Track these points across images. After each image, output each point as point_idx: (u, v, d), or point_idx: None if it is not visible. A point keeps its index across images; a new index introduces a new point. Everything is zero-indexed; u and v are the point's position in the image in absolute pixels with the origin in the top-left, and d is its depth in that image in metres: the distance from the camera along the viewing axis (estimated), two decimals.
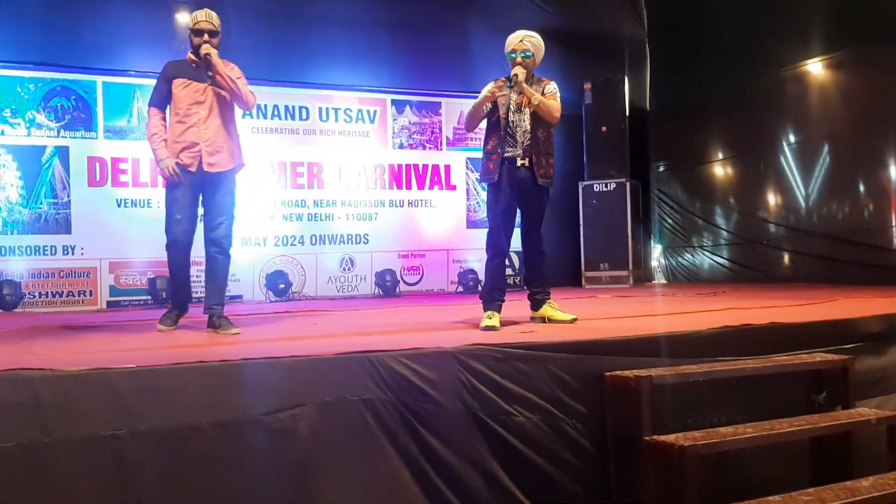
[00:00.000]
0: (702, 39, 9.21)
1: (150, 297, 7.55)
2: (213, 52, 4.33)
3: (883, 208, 7.28)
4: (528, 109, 4.40)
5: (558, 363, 3.32)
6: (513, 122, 4.41)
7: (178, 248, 4.37)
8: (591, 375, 3.37)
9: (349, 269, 8.66)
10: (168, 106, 4.43)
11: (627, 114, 9.41)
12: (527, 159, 4.44)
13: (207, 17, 4.41)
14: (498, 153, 4.39)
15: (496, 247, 4.46)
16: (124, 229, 7.69)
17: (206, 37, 4.35)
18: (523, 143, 4.43)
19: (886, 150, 7.22)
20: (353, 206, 8.77)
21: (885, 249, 7.22)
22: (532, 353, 3.29)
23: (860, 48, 7.40)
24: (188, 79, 4.38)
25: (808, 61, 8.01)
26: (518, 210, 4.53)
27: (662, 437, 3.19)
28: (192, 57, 4.44)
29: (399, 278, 8.73)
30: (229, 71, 4.42)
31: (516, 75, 4.35)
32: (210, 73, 4.35)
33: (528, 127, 4.43)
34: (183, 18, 8.14)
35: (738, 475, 3.48)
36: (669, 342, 3.57)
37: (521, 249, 4.80)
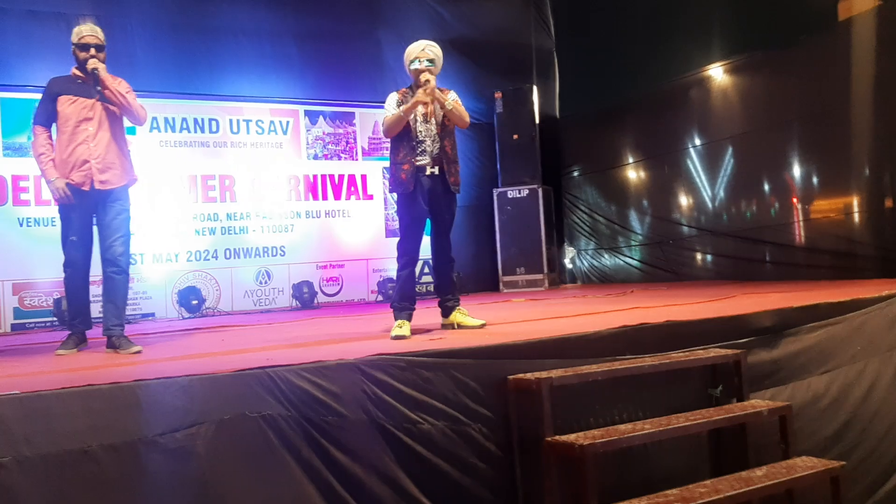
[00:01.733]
0: (608, 47, 9.44)
1: (55, 319, 7.29)
2: (101, 67, 4.24)
3: (785, 206, 7.60)
4: (434, 119, 4.45)
5: (462, 369, 3.36)
6: (420, 131, 4.46)
7: (75, 270, 4.28)
8: (495, 379, 3.42)
9: (266, 283, 8.55)
10: (54, 124, 4.30)
11: (538, 121, 9.58)
12: (436, 168, 4.48)
13: (92, 32, 4.30)
14: (409, 163, 4.43)
15: (408, 255, 4.50)
16: (27, 249, 7.41)
17: (92, 51, 4.25)
18: (432, 152, 4.48)
19: (785, 149, 7.53)
20: (268, 219, 8.66)
21: (788, 246, 7.53)
22: (435, 360, 3.31)
23: (757, 53, 7.72)
24: (74, 95, 4.26)
25: (710, 66, 8.31)
26: (427, 218, 4.57)
27: (563, 438, 3.26)
28: (78, 72, 4.33)
29: (317, 290, 8.66)
30: (117, 85, 4.32)
31: (428, 81, 4.40)
32: (99, 89, 4.24)
33: (436, 135, 4.47)
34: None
35: (641, 471, 3.58)
36: (570, 344, 3.65)
37: (430, 257, 4.82)
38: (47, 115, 4.30)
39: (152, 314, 7.81)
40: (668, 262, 8.91)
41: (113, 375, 2.94)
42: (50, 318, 7.35)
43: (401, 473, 3.15)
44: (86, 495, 2.56)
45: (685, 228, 8.76)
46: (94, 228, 4.37)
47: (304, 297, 8.40)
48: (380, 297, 8.89)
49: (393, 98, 4.55)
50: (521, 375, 3.41)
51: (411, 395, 3.23)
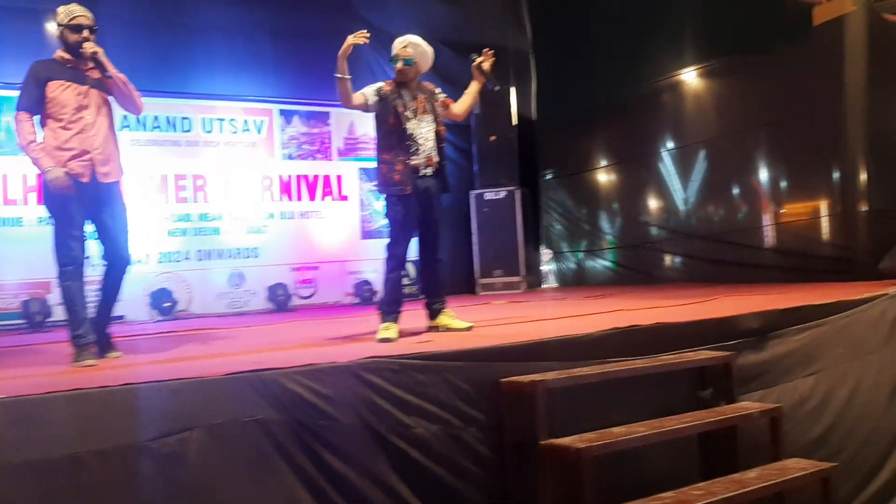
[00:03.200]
0: (583, 50, 9.48)
1: (24, 321, 7.10)
2: (101, 50, 3.91)
3: (755, 209, 7.68)
4: (427, 116, 4.39)
5: (455, 372, 3.31)
6: (411, 129, 4.36)
7: (77, 268, 3.82)
8: (488, 382, 3.37)
9: (239, 285, 8.42)
10: (40, 112, 3.91)
11: (515, 123, 9.57)
12: (428, 168, 4.41)
13: (84, 12, 3.93)
14: (402, 163, 4.32)
15: (398, 258, 4.39)
16: None
17: (85, 33, 3.89)
18: (425, 150, 4.40)
19: (756, 154, 7.62)
20: (241, 220, 8.53)
21: (758, 248, 7.62)
22: (429, 362, 3.26)
23: (729, 58, 7.79)
24: (66, 80, 3.88)
25: (683, 71, 8.38)
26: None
27: (559, 441, 3.23)
28: (66, 56, 3.93)
29: (292, 292, 8.55)
30: (117, 72, 4.01)
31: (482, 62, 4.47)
32: (106, 74, 3.95)
33: (427, 134, 4.40)
34: (53, 28, 7.69)
35: (633, 474, 3.56)
36: (562, 346, 3.62)
37: (416, 259, 4.75)
38: (33, 101, 3.86)
39: (122, 316, 7.62)
40: (643, 265, 8.97)
41: (100, 379, 2.84)
42: (17, 321, 7.15)
43: (394, 477, 3.10)
44: (76, 503, 2.47)
45: (659, 231, 8.82)
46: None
47: (279, 300, 8.29)
48: (356, 300, 8.80)
49: (377, 85, 4.45)
50: (514, 378, 3.37)
51: (404, 399, 3.17)
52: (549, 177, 10.37)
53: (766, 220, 7.62)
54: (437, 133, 4.47)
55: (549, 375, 3.38)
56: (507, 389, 3.37)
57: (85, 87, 3.94)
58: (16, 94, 7.26)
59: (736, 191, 7.92)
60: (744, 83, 7.74)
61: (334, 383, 3.03)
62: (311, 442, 2.94)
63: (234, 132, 8.60)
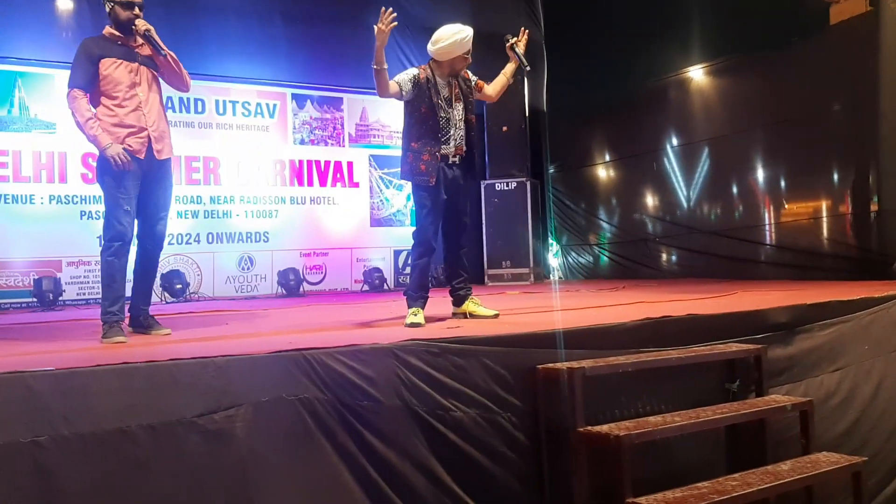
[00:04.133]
0: (594, 43, 9.45)
1: (35, 299, 7.05)
2: (152, 28, 3.93)
3: (764, 206, 7.69)
4: (458, 103, 4.37)
5: (493, 357, 3.31)
6: (443, 117, 4.33)
7: (123, 245, 3.83)
8: (524, 368, 3.38)
9: (248, 269, 8.38)
10: (93, 89, 3.91)
11: (527, 114, 9.55)
12: (457, 157, 4.39)
13: None
14: (430, 153, 4.28)
15: (426, 244, 4.35)
16: (5, 227, 7.15)
17: (136, 10, 3.90)
18: (456, 139, 4.37)
19: (765, 151, 7.63)
20: (252, 203, 8.49)
21: (765, 245, 7.63)
22: (468, 346, 3.26)
23: (742, 55, 7.79)
24: (118, 58, 3.89)
25: (690, 68, 8.38)
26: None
27: (596, 428, 3.24)
28: (115, 32, 3.95)
29: (302, 277, 8.52)
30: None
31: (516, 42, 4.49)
32: (161, 52, 3.95)
33: (459, 122, 4.37)
34: (65, 4, 7.66)
35: (663, 463, 3.56)
36: (598, 334, 3.63)
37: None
38: (88, 79, 3.87)
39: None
40: (646, 259, 8.97)
41: (147, 354, 2.82)
42: (28, 299, 7.11)
43: (433, 460, 3.10)
44: (124, 476, 2.46)
45: (664, 226, 8.82)
46: None
47: (290, 285, 8.26)
48: (365, 287, 8.78)
49: (411, 72, 4.42)
50: (550, 365, 3.37)
51: (444, 382, 3.17)
52: (557, 169, 10.36)
53: (775, 217, 7.63)
54: (468, 121, 4.45)
55: (587, 363, 3.38)
56: (544, 376, 3.37)
57: (136, 64, 3.95)
58: (30, 69, 7.30)
59: (744, 188, 7.92)
60: (756, 80, 7.73)
61: (376, 364, 3.03)
62: (354, 422, 2.94)
63: (247, 115, 8.55)
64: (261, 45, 8.58)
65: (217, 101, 8.38)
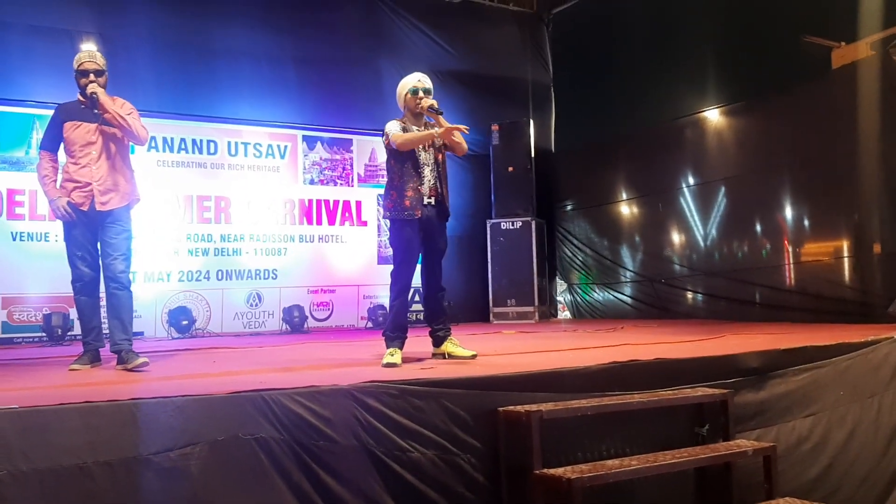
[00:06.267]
0: (604, 84, 9.61)
1: (45, 334, 7.29)
2: (100, 91, 4.37)
3: (776, 248, 7.71)
4: (433, 147, 4.53)
5: (453, 399, 3.40)
6: (422, 159, 4.52)
7: (84, 285, 4.40)
8: (485, 410, 3.46)
9: (256, 305, 8.57)
10: (59, 148, 4.48)
11: (533, 154, 9.70)
12: (433, 198, 4.54)
13: (91, 57, 4.46)
14: (413, 189, 4.48)
15: (401, 283, 4.52)
16: (19, 263, 7.43)
17: (91, 77, 4.40)
18: (430, 180, 4.54)
19: (779, 192, 7.65)
20: (261, 241, 8.71)
21: (777, 288, 7.62)
22: (427, 388, 3.35)
23: (750, 99, 7.87)
24: (78, 120, 4.43)
25: (706, 108, 8.47)
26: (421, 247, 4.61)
27: (552, 471, 3.29)
28: (81, 98, 4.49)
29: (308, 314, 8.69)
30: (118, 107, 4.44)
31: (434, 107, 4.51)
32: (97, 112, 4.37)
33: (433, 165, 4.54)
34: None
35: None
36: (560, 378, 3.70)
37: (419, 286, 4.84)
38: (51, 140, 4.49)
39: (141, 333, 7.78)
40: (658, 300, 8.99)
41: (110, 393, 2.96)
42: (38, 334, 7.34)
43: (388, 500, 3.18)
44: None
45: (677, 267, 8.85)
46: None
47: (295, 322, 8.42)
48: (369, 324, 8.92)
49: (396, 125, 4.60)
50: (511, 408, 3.45)
51: (402, 423, 3.26)
52: (566, 208, 10.45)
53: (784, 259, 7.64)
54: (438, 161, 4.59)
55: (545, 406, 3.45)
56: (504, 418, 3.45)
57: (94, 125, 4.43)
58: (47, 112, 7.63)
59: (756, 229, 7.93)
60: (764, 123, 7.82)
61: (334, 405, 3.13)
62: (310, 462, 3.03)
63: (259, 156, 8.80)
64: (272, 88, 8.87)
65: (229, 143, 8.64)
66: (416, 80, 4.64)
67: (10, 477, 2.51)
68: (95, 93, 4.35)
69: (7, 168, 7.46)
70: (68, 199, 4.33)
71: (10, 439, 2.54)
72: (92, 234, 4.40)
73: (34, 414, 2.63)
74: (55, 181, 4.44)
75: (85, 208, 4.35)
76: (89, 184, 4.36)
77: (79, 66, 4.45)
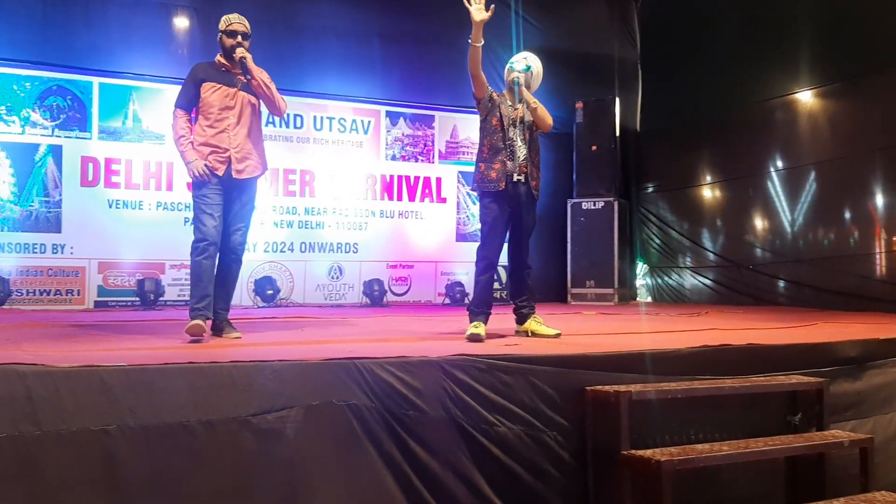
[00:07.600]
0: (693, 63, 9.34)
1: (138, 299, 7.58)
2: (249, 56, 4.27)
3: (868, 235, 7.41)
4: (523, 124, 4.49)
5: (541, 376, 3.39)
6: (511, 135, 4.51)
7: (208, 244, 4.17)
8: (573, 389, 3.44)
9: (337, 278, 8.71)
10: (194, 109, 4.34)
11: (618, 134, 9.52)
12: (522, 175, 4.51)
13: (240, 20, 4.33)
14: (501, 162, 4.47)
15: (488, 259, 4.51)
16: (115, 230, 7.73)
17: (239, 38, 4.27)
18: (519, 157, 4.51)
19: (872, 178, 7.35)
20: (343, 215, 8.83)
21: (868, 278, 7.33)
22: (515, 364, 3.35)
23: (850, 80, 7.54)
24: (218, 83, 4.29)
25: (798, 91, 8.16)
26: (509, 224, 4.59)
27: (640, 452, 3.26)
28: (223, 60, 4.36)
29: (387, 288, 8.79)
30: (262, 75, 4.36)
31: (516, 79, 4.48)
32: (241, 78, 4.29)
33: (521, 142, 4.51)
34: (181, 22, 8.22)
35: (715, 491, 3.56)
36: (649, 359, 3.64)
37: (506, 263, 4.82)
38: (188, 100, 4.31)
39: None
40: (744, 286, 8.75)
41: (210, 356, 3.06)
42: (132, 298, 7.64)
43: (475, 472, 3.21)
44: (181, 468, 2.69)
45: (763, 252, 8.60)
46: None
47: (374, 295, 8.53)
48: (447, 300, 8.97)
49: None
50: (599, 387, 3.43)
51: (489, 398, 3.28)
52: (649, 189, 10.25)
53: (877, 247, 7.33)
54: (527, 139, 4.55)
55: (634, 387, 3.41)
56: (592, 398, 3.42)
57: (234, 90, 4.32)
58: (143, 84, 7.88)
59: (846, 215, 7.63)
60: (860, 106, 7.49)
61: (423, 376, 3.17)
62: (399, 430, 3.08)
63: (343, 131, 8.90)
64: (358, 64, 8.95)
65: (315, 117, 8.76)
66: (522, 56, 4.64)
67: (119, 431, 2.63)
68: (245, 57, 4.24)
69: (105, 138, 7.74)
70: (205, 163, 4.21)
71: (119, 395, 2.66)
72: (220, 198, 4.26)
73: (140, 372, 2.74)
74: (192, 142, 4.27)
75: (220, 173, 4.24)
76: (227, 150, 4.25)
77: (226, 27, 4.30)
